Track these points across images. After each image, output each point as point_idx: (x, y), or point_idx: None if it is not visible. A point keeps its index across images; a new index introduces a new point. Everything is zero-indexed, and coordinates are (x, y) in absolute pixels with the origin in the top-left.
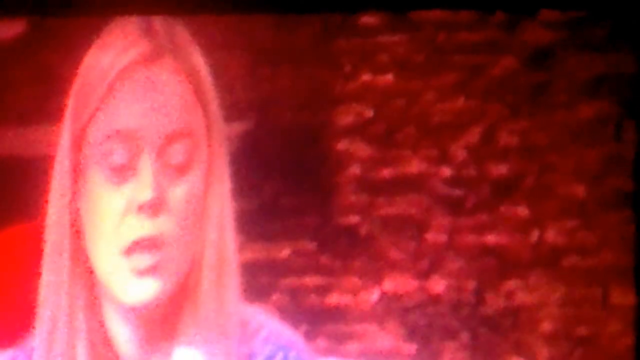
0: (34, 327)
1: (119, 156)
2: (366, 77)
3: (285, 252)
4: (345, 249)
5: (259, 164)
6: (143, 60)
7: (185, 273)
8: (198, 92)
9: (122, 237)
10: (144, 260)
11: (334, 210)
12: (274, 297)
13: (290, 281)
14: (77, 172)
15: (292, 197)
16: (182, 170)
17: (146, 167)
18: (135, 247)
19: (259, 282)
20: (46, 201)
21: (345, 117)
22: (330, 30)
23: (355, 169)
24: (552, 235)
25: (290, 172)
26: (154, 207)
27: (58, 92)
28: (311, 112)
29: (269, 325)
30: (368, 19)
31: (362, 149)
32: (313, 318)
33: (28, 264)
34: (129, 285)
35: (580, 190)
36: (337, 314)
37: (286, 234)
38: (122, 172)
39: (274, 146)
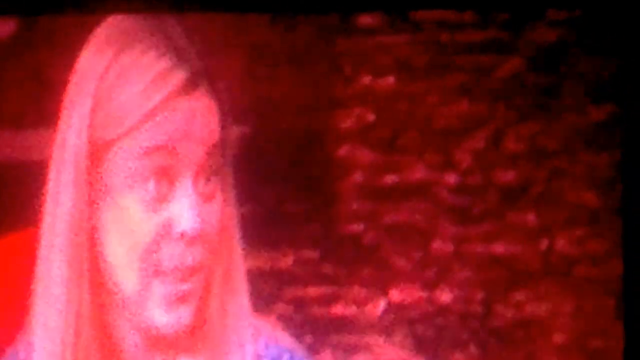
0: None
1: (156, 175)
2: (367, 79)
3: (287, 261)
4: (350, 258)
5: (258, 170)
6: (182, 90)
7: (204, 296)
8: (222, 117)
9: (157, 262)
10: (177, 288)
11: (337, 217)
12: (278, 307)
13: (293, 291)
14: (93, 187)
15: (293, 204)
16: (213, 188)
17: (187, 192)
18: (171, 274)
19: (261, 291)
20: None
21: (346, 121)
22: (328, 30)
23: (357, 176)
24: (562, 244)
25: (289, 178)
26: (195, 236)
27: (52, 94)
28: (311, 116)
29: (271, 331)
30: (367, 19)
31: (364, 155)
32: (318, 329)
33: (23, 273)
34: (159, 312)
35: (591, 197)
36: (342, 325)
37: (288, 242)
38: (159, 193)
39: (273, 151)
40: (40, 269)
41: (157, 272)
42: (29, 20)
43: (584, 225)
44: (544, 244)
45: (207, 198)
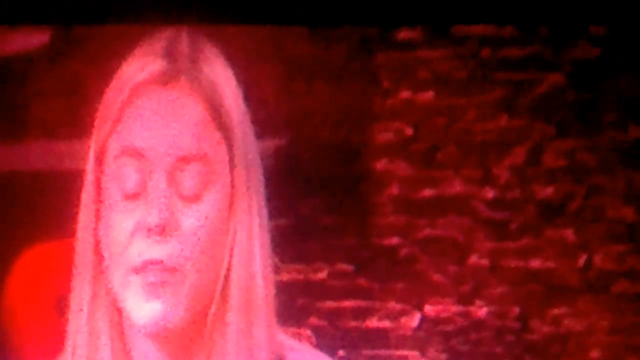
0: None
1: (130, 174)
2: (406, 93)
3: (322, 274)
4: (385, 272)
5: (294, 183)
6: (157, 80)
7: (201, 300)
8: (217, 116)
9: (132, 257)
10: (152, 280)
11: (373, 231)
12: (311, 320)
13: (327, 304)
14: (98, 190)
15: (329, 217)
16: (194, 195)
17: (156, 189)
18: (144, 268)
19: (295, 304)
20: (75, 219)
21: (384, 135)
22: (368, 44)
23: (394, 189)
24: (600, 260)
25: (326, 191)
26: (163, 231)
27: (86, 104)
28: (348, 130)
29: (302, 353)
30: (407, 33)
31: (401, 168)
32: (351, 342)
33: (56, 281)
34: (140, 305)
35: (629, 213)
36: (376, 338)
37: (323, 255)
38: (134, 192)
39: (310, 164)
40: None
41: (134, 269)
42: (62, 31)
43: (623, 241)
44: (582, 259)
45: (188, 200)
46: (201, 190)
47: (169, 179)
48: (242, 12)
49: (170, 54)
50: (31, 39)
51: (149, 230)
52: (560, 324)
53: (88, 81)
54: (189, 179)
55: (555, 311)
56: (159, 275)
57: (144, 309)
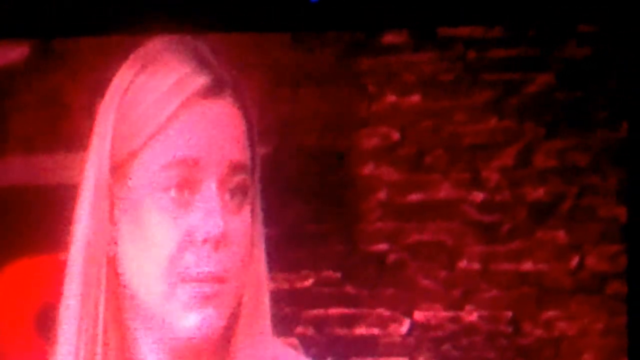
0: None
1: (178, 185)
2: (392, 97)
3: (308, 282)
4: (373, 278)
5: (280, 190)
6: (205, 93)
7: (234, 310)
8: (250, 130)
9: (182, 268)
10: (204, 291)
11: (360, 237)
12: (298, 329)
13: (314, 312)
14: (114, 200)
15: (315, 224)
16: (239, 203)
17: (212, 197)
18: (197, 279)
19: (281, 313)
20: (66, 231)
21: (371, 140)
22: (353, 49)
23: (381, 194)
24: (593, 261)
25: (312, 198)
26: (221, 240)
27: (65, 118)
28: (334, 135)
29: (292, 357)
30: (393, 37)
31: (388, 173)
32: (339, 350)
33: (37, 297)
34: (184, 314)
35: (622, 213)
36: (365, 346)
37: (309, 262)
38: (181, 202)
39: (295, 171)
40: (64, 290)
41: (183, 279)
42: (42, 44)
43: (616, 241)
44: (574, 261)
45: (232, 211)
46: (244, 199)
47: (219, 186)
48: (225, 20)
49: (207, 65)
50: (10, 53)
51: (205, 240)
52: (553, 327)
53: (68, 94)
54: (236, 187)
55: (548, 314)
56: (211, 286)
57: (192, 319)
